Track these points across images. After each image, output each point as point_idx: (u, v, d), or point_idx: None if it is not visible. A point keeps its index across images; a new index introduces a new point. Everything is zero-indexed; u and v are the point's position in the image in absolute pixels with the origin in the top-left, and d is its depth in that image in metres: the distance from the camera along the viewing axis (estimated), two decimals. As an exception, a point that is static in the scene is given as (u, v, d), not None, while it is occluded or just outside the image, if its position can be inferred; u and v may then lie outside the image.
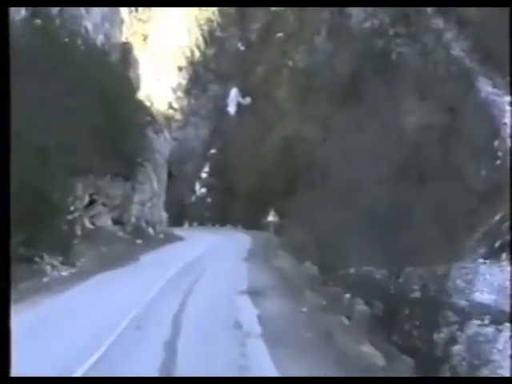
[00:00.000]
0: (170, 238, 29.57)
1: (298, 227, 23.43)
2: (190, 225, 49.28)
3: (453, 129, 37.84)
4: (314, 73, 47.64)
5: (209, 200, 54.38)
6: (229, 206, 48.41)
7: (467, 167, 36.22)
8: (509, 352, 11.28)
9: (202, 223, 49.53)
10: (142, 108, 27.31)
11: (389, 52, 44.95)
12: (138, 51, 51.59)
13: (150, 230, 27.72)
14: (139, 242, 23.92)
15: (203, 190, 55.49)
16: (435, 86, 40.20)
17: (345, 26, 48.57)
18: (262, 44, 57.73)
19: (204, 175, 56.19)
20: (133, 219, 25.92)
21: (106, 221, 22.25)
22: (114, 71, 25.08)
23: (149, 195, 28.81)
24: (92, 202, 21.62)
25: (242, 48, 62.55)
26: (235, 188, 48.40)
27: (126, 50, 31.78)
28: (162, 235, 29.25)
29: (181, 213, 50.46)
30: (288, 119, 47.63)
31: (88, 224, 20.29)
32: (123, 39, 34.36)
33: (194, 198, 55.42)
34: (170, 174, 46.15)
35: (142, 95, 28.82)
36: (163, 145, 32.78)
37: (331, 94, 44.43)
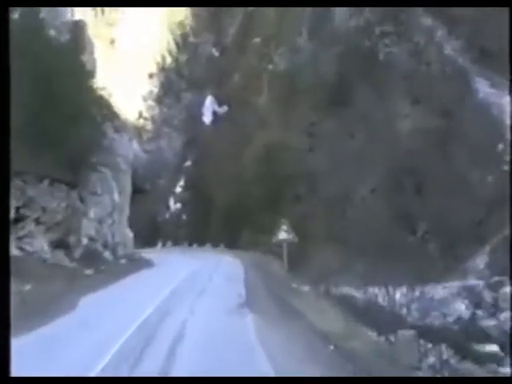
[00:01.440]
0: (135, 265, 23.61)
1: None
2: (164, 245, 44.77)
3: (451, 133, 34.75)
4: (296, 75, 44.21)
5: (184, 217, 49.66)
6: (207, 223, 43.71)
7: (470, 174, 33.20)
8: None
9: (177, 243, 44.96)
10: (96, 97, 22.13)
11: (376, 52, 42.04)
12: (105, 56, 47.34)
13: (107, 255, 22.11)
14: (89, 272, 18.08)
15: (178, 205, 50.90)
16: (429, 88, 37.15)
17: (328, 26, 45.68)
18: (239, 48, 54.21)
19: (179, 189, 51.71)
20: (84, 241, 20.28)
21: (41, 244, 16.80)
22: (56, 45, 20.12)
23: (108, 209, 23.38)
24: (20, 219, 16.29)
25: (217, 54, 59.33)
26: (213, 203, 43.75)
27: (77, 28, 27.16)
28: (124, 261, 23.57)
29: (153, 232, 46.57)
30: (269, 127, 43.77)
31: (13, 249, 14.95)
32: (75, 17, 29.71)
33: (167, 215, 50.94)
34: (140, 189, 41.60)
35: (99, 85, 23.80)
36: (126, 146, 27.38)
37: (316, 98, 41.01)
